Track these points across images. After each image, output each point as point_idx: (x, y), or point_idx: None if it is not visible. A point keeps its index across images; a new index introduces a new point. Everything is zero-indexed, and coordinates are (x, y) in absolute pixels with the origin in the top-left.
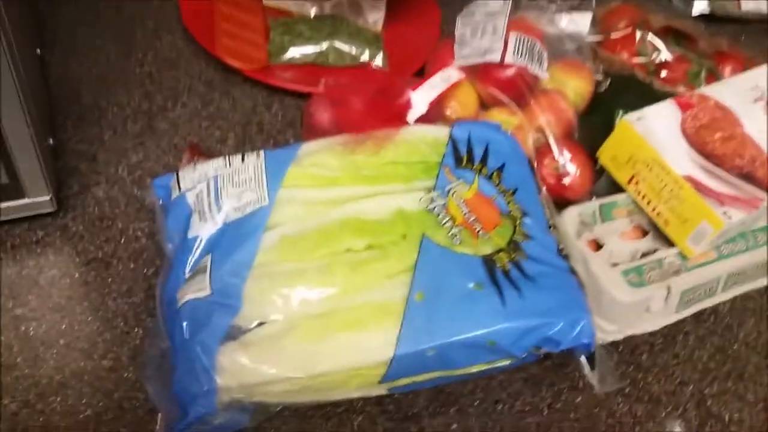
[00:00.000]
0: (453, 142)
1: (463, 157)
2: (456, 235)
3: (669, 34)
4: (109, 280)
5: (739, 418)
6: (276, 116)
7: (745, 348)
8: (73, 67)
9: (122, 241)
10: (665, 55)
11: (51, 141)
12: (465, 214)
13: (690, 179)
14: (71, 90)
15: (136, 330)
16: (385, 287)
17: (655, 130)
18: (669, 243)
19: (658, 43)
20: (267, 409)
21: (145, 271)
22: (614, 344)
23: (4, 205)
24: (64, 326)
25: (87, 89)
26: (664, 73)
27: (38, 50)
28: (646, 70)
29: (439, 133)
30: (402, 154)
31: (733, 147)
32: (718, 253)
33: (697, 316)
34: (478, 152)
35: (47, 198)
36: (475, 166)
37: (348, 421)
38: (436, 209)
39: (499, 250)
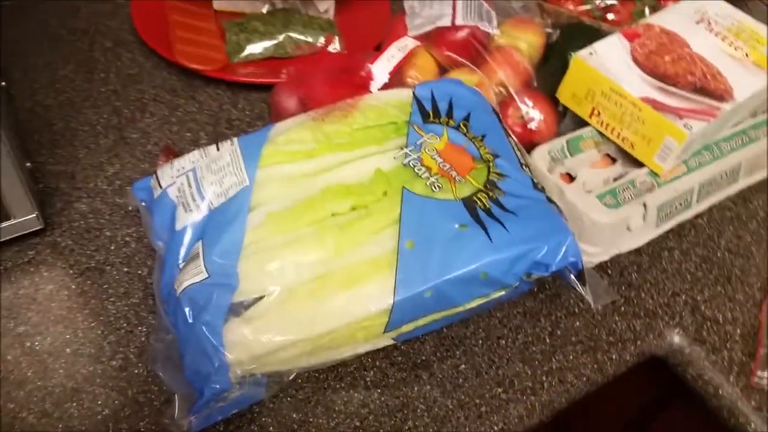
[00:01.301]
0: (417, 100)
1: (429, 112)
2: (434, 184)
3: None
4: (106, 286)
5: (732, 317)
6: (243, 111)
7: (728, 254)
8: (40, 97)
9: (112, 248)
10: None
11: (29, 164)
12: (440, 163)
13: (647, 100)
14: (40, 118)
15: (139, 328)
16: (375, 242)
17: (608, 62)
18: (638, 165)
19: None
20: (281, 378)
21: (140, 272)
22: (603, 268)
23: None
24: (68, 335)
25: (56, 115)
26: (610, 17)
27: (3, 83)
28: (592, 16)
29: (403, 95)
30: (371, 119)
31: (684, 66)
32: (687, 167)
33: (678, 232)
34: (443, 106)
35: (33, 216)
36: (442, 119)
37: (360, 378)
38: (411, 163)
39: (478, 191)
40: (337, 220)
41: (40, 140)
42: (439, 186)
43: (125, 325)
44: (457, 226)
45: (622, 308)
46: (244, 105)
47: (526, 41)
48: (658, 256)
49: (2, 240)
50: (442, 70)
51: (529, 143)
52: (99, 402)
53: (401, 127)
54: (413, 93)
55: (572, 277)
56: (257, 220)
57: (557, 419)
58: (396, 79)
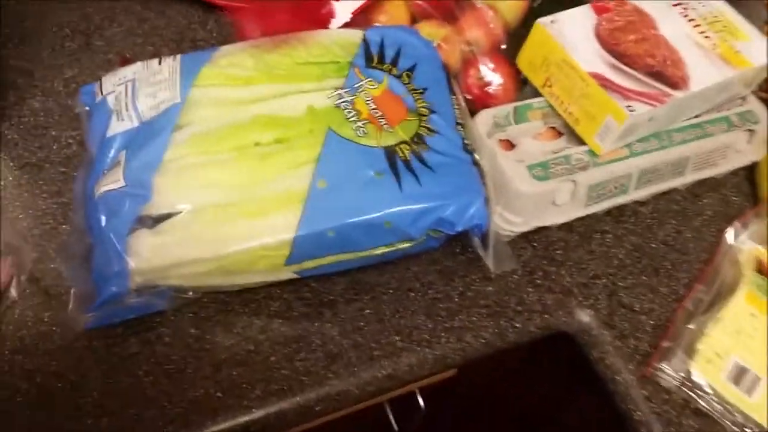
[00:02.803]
0: (366, 43)
1: (374, 57)
2: (360, 128)
3: None
4: (41, 182)
5: (649, 308)
6: (210, 33)
7: (663, 246)
8: None
9: (55, 147)
10: None
11: None
12: (372, 109)
13: (597, 76)
14: (14, 12)
15: (63, 226)
16: (290, 177)
17: (568, 32)
18: (582, 144)
19: None
20: (184, 293)
21: (75, 174)
22: (529, 239)
23: None
24: None
25: (30, 11)
26: None
27: None
28: None
29: (353, 35)
30: (315, 55)
31: (645, 47)
32: (630, 151)
33: (617, 216)
34: (389, 53)
35: None
36: (385, 66)
37: (265, 307)
38: (343, 105)
39: (402, 142)
40: (259, 149)
41: (9, 34)
42: (364, 131)
43: (51, 221)
44: (372, 173)
45: (538, 281)
46: (212, 26)
47: (505, 2)
48: (589, 237)
49: None
50: (413, 21)
51: (486, 106)
52: (10, 288)
53: (343, 67)
54: (363, 35)
55: (476, 239)
56: (182, 138)
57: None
58: (361, 19)
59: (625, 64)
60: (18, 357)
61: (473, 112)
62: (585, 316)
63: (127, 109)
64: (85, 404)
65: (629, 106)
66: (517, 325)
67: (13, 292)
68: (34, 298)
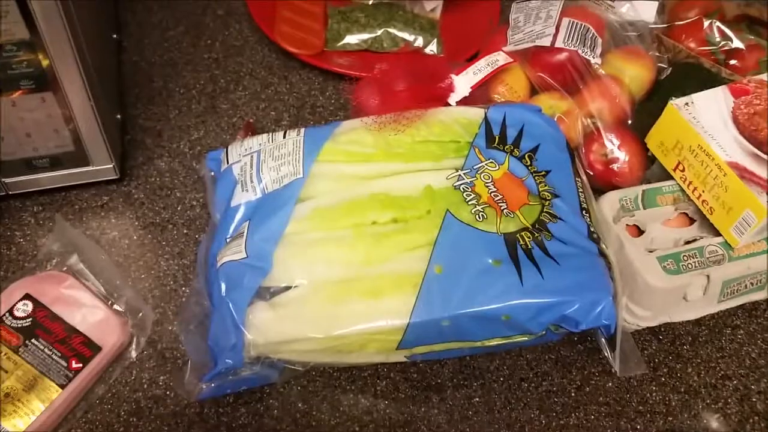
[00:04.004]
0: (487, 122)
1: (495, 137)
2: (480, 212)
3: (743, 22)
4: (164, 242)
5: None
6: (329, 99)
7: None
8: (147, 53)
9: (179, 208)
10: (737, 43)
11: (119, 116)
12: (492, 192)
13: (735, 166)
14: (144, 73)
15: (183, 289)
16: (406, 259)
17: (703, 116)
18: (716, 233)
19: (728, 30)
20: (296, 366)
21: (197, 236)
22: (654, 333)
23: (72, 171)
24: (118, 282)
25: (158, 72)
26: (733, 62)
27: (114, 35)
28: (715, 59)
29: (475, 114)
30: (435, 134)
31: None
32: None
33: (750, 311)
34: (511, 133)
35: (110, 166)
36: (506, 147)
37: (372, 385)
38: (462, 187)
39: (523, 229)
40: (375, 229)
41: (138, 94)
42: (483, 216)
43: (171, 282)
44: (490, 260)
45: (663, 379)
46: (331, 93)
47: (630, 74)
48: (719, 333)
49: (81, 183)
50: (533, 91)
51: (609, 184)
52: (130, 349)
53: (463, 147)
54: (485, 114)
55: (603, 339)
56: (302, 213)
57: None
58: (479, 94)
59: (766, 152)
60: (132, 419)
61: (595, 190)
62: (713, 421)
63: (251, 180)
64: None
65: None
66: (638, 427)
67: (133, 353)
68: (151, 360)
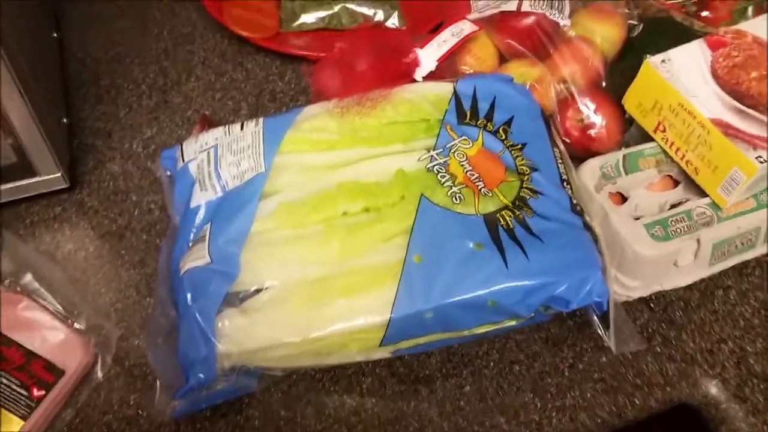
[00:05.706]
0: (456, 97)
1: (466, 112)
2: (456, 194)
3: None
4: (123, 251)
5: None
6: (289, 84)
7: None
8: (91, 48)
9: (136, 213)
10: None
11: (65, 120)
12: (467, 171)
13: (719, 123)
14: (89, 71)
15: (147, 300)
16: (382, 250)
17: (682, 72)
18: (702, 193)
19: None
20: (274, 372)
21: (158, 242)
22: (645, 301)
23: (17, 183)
24: (76, 299)
25: (104, 69)
26: (705, 14)
27: (55, 34)
28: (686, 11)
29: (443, 89)
30: (402, 114)
31: None
32: (756, 202)
33: (740, 270)
34: (483, 107)
35: (58, 175)
36: (479, 122)
37: (357, 383)
38: (436, 168)
39: (503, 208)
40: (347, 220)
41: (85, 95)
42: (460, 197)
43: (134, 294)
44: (471, 244)
45: (658, 348)
46: (290, 77)
47: (602, 34)
48: (711, 295)
49: (29, 195)
50: (502, 59)
51: (587, 151)
52: (96, 369)
53: (433, 125)
54: (454, 88)
55: (595, 317)
56: (267, 209)
57: None
58: (446, 66)
59: (749, 106)
60: None
61: (573, 158)
62: (713, 387)
63: (210, 178)
64: None
65: (759, 157)
66: (637, 401)
67: (99, 373)
68: (120, 379)
